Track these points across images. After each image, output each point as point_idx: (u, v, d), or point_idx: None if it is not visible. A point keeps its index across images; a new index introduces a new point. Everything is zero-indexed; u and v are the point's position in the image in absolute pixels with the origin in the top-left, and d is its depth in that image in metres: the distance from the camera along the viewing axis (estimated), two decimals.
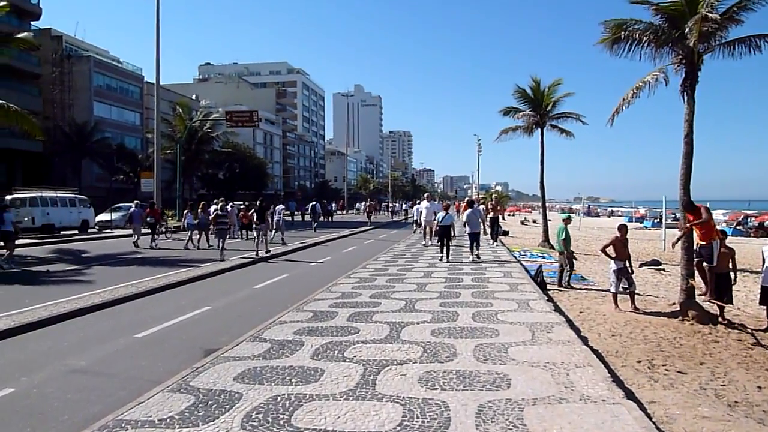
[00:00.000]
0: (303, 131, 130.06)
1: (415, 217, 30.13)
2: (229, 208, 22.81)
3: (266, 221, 19.90)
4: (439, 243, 17.78)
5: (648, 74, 11.24)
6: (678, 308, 10.82)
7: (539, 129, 25.69)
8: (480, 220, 19.20)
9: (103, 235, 30.26)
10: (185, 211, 24.16)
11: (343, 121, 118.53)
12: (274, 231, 23.94)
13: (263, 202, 20.72)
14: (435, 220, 19.20)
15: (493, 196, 23.69)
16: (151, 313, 10.55)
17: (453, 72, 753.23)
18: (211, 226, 20.00)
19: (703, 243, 10.10)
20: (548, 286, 13.47)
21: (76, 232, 29.97)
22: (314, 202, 37.99)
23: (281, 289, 13.66)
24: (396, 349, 7.34)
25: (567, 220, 14.98)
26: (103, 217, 34.94)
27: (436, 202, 27.50)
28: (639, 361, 7.55)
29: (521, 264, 17.07)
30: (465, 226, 18.21)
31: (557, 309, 10.21)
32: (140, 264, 17.47)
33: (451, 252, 17.93)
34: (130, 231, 24.12)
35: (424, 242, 22.42)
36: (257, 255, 18.89)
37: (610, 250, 11.44)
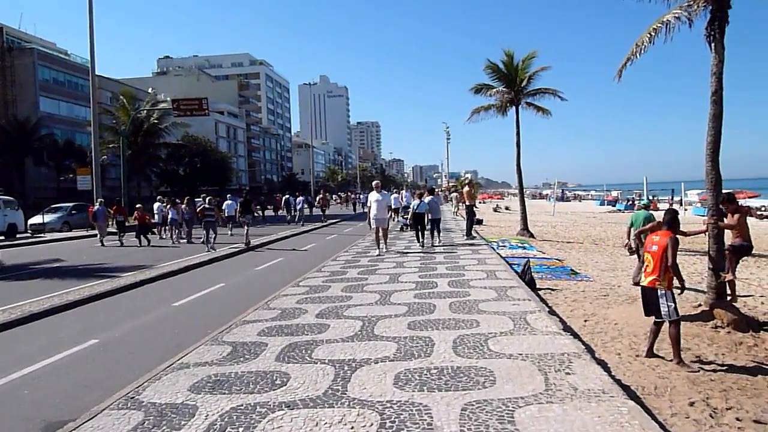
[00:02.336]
0: (268, 124, 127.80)
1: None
2: (156, 205, 24.55)
3: (251, 212, 22.01)
4: (414, 230, 18.76)
5: (669, 12, 9.72)
6: (706, 309, 9.03)
7: (514, 107, 24.22)
8: (439, 207, 20.44)
9: (33, 240, 26.47)
10: (167, 207, 23.83)
11: (310, 113, 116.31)
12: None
13: (247, 195, 24.53)
14: (390, 215, 16.89)
15: (466, 180, 22.05)
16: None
17: (420, 61, 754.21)
18: (200, 220, 20.33)
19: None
20: (537, 284, 11.63)
21: (1, 237, 26.70)
22: (287, 196, 37.16)
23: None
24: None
25: (645, 208, 13.12)
26: (35, 219, 30.98)
27: (402, 192, 26.50)
28: (692, 403, 5.48)
29: (502, 258, 14.96)
30: (427, 213, 18.60)
31: (566, 328, 7.32)
32: (48, 276, 14.38)
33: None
34: (66, 234, 22.42)
35: (377, 251, 15.92)
36: (246, 245, 20.03)
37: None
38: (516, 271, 12.62)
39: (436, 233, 18.47)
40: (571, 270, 14.38)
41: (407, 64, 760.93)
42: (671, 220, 6.90)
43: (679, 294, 6.87)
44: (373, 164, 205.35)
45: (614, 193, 76.76)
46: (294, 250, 20.03)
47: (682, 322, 8.57)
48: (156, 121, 46.59)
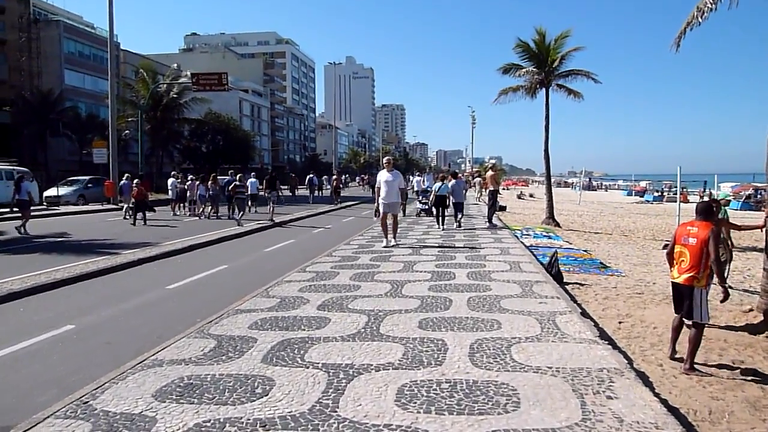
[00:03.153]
0: (292, 104, 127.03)
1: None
2: (170, 180, 25.03)
3: (276, 190, 22.80)
4: (435, 212, 18.92)
5: None
6: (760, 318, 7.97)
7: (544, 89, 22.91)
8: (463, 191, 20.26)
9: (46, 212, 25.61)
10: (197, 183, 24.28)
11: (335, 94, 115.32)
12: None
13: (273, 172, 24.83)
14: (399, 200, 13.67)
15: (490, 165, 20.84)
16: None
17: (447, 44, 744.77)
18: (233, 196, 21.19)
19: None
20: (564, 278, 10.52)
21: (16, 209, 26.03)
22: (311, 175, 38.99)
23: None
24: None
25: (723, 202, 11.81)
26: (51, 192, 30.35)
27: (424, 176, 25.45)
28: None
29: (527, 249, 13.92)
30: (450, 196, 18.82)
31: (602, 335, 6.26)
32: (47, 251, 13.80)
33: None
34: (81, 208, 22.05)
35: (384, 241, 13.46)
36: (271, 221, 20.59)
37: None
38: (542, 263, 11.68)
39: (458, 215, 18.73)
40: (601, 263, 13.33)
41: (434, 47, 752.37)
42: (707, 209, 6.15)
43: (722, 294, 6.01)
44: (397, 147, 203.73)
45: (643, 184, 74.33)
46: (313, 227, 19.34)
47: (734, 332, 7.60)
48: (176, 96, 45.64)
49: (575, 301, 8.36)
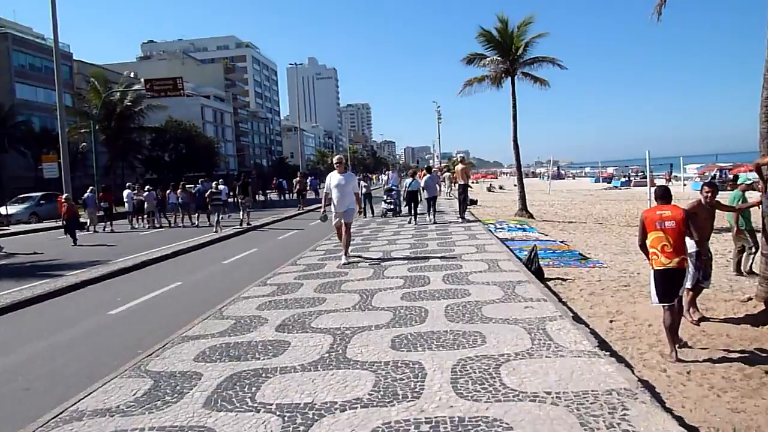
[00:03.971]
0: (256, 107, 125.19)
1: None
2: (126, 192, 24.45)
3: (249, 195, 23.01)
4: (407, 207, 19.42)
5: None
6: (761, 307, 7.45)
7: (509, 78, 22.32)
8: (437, 185, 20.25)
9: None
10: (167, 192, 24.28)
11: (299, 96, 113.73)
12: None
13: (245, 178, 24.90)
14: (354, 208, 11.13)
15: (459, 159, 20.01)
16: None
17: (410, 40, 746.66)
18: (208, 204, 21.26)
19: None
20: (545, 273, 9.89)
21: None
22: (282, 180, 41.63)
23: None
24: None
25: (747, 186, 10.93)
26: None
27: (389, 173, 24.68)
28: None
29: (503, 244, 13.10)
30: (423, 191, 19.12)
31: (602, 344, 5.47)
32: None
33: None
34: (34, 226, 20.74)
35: (344, 259, 10.81)
36: (243, 225, 21.23)
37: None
38: (520, 258, 10.99)
39: (432, 210, 18.84)
40: (580, 254, 12.72)
41: (396, 45, 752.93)
42: (667, 193, 6.18)
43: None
44: (365, 146, 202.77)
45: (610, 170, 74.74)
46: (279, 234, 18.29)
47: (737, 325, 6.99)
48: (130, 104, 43.95)
49: (562, 301, 7.63)
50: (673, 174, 56.85)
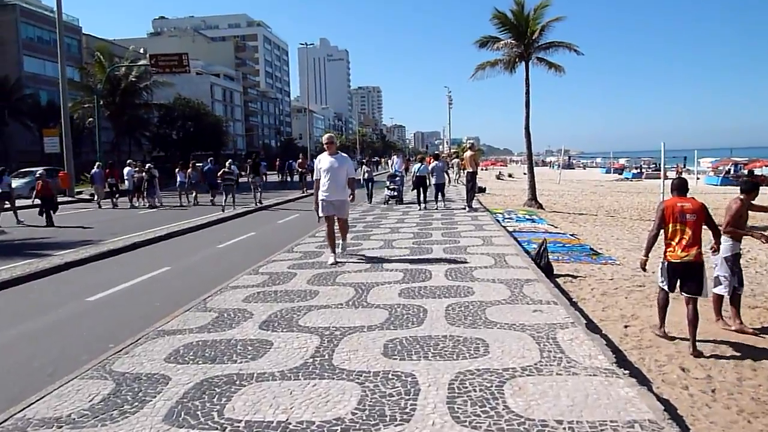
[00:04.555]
0: (266, 87, 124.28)
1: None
2: (126, 170, 24.07)
3: (260, 175, 23.71)
4: (416, 192, 19.04)
5: None
6: None
7: (523, 63, 21.50)
8: (444, 172, 19.97)
9: None
10: (176, 170, 24.41)
11: (309, 77, 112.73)
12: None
13: (257, 158, 25.92)
14: (346, 197, 9.41)
15: (469, 145, 19.25)
16: None
17: (423, 25, 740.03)
18: (220, 182, 21.40)
19: None
20: (554, 269, 9.19)
21: None
22: (290, 161, 41.47)
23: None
24: None
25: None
26: None
27: (393, 158, 23.84)
28: None
29: (511, 235, 12.50)
30: (432, 176, 19.14)
31: (621, 361, 4.71)
32: None
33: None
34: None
35: (332, 257, 9.34)
36: (257, 204, 22.04)
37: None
38: (527, 251, 10.42)
39: (439, 197, 19.01)
40: (591, 249, 12.08)
41: (409, 28, 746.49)
42: (684, 185, 6.10)
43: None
44: (374, 130, 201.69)
45: (621, 161, 73.64)
46: (279, 217, 17.76)
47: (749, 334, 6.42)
48: (135, 80, 43.05)
49: (573, 302, 7.06)
50: (686, 167, 55.89)
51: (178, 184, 23.81)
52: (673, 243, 5.79)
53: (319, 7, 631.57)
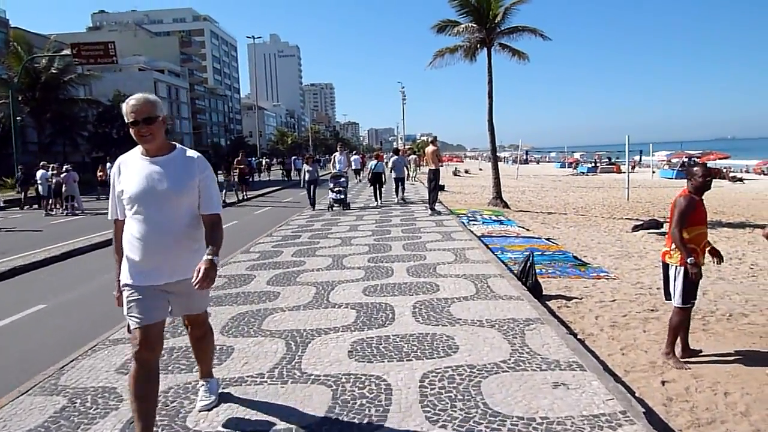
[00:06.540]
0: (214, 84, 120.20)
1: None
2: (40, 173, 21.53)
3: (231, 175, 25.11)
4: (372, 188, 19.76)
5: None
6: None
7: (485, 49, 19.77)
8: (404, 167, 20.36)
9: None
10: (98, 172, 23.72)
11: (260, 73, 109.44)
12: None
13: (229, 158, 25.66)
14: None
15: (431, 140, 17.46)
16: None
17: (375, 20, 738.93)
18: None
19: None
20: (542, 288, 7.50)
21: None
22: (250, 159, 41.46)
23: None
24: None
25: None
26: None
27: (335, 155, 20.79)
28: None
29: (489, 250, 10.21)
30: (391, 172, 19.88)
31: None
32: None
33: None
34: None
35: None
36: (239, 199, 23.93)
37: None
38: (509, 268, 8.62)
39: (399, 190, 19.77)
40: (576, 258, 10.27)
41: (362, 24, 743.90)
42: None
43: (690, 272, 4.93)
44: (327, 127, 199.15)
45: (576, 155, 73.50)
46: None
47: None
48: (56, 72, 38.96)
49: (580, 341, 5.18)
50: (641, 161, 55.83)
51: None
52: (698, 249, 5.09)
53: (269, 3, 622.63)
